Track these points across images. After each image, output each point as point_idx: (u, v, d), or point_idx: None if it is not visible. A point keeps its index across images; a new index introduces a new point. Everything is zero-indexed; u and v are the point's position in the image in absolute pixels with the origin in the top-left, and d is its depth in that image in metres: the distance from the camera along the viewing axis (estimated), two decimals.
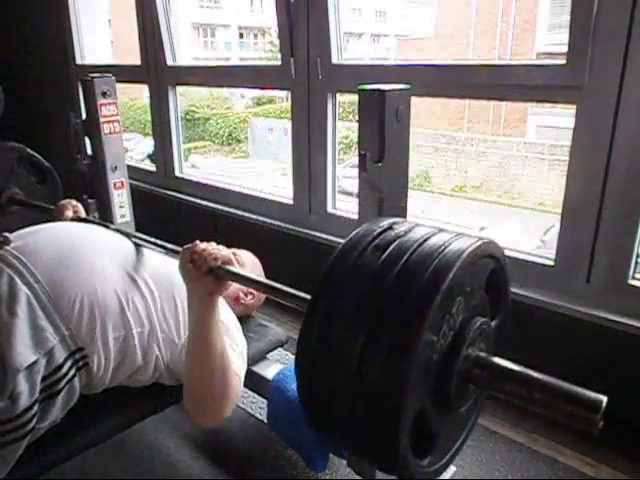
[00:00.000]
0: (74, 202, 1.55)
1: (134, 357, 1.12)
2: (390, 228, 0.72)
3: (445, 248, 0.65)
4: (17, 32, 3.69)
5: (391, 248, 0.67)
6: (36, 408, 0.97)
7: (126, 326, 1.10)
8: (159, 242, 1.24)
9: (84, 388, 1.08)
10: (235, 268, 1.05)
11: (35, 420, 0.97)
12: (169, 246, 1.19)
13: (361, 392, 0.63)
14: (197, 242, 1.07)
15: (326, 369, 0.67)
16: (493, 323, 0.81)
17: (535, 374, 0.68)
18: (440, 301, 0.61)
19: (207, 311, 1.05)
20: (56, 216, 1.50)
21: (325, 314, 0.67)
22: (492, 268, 0.76)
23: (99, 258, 1.15)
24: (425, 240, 0.67)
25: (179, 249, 1.11)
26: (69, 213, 1.50)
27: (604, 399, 0.61)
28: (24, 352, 0.96)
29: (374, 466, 0.74)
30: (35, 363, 0.97)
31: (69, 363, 1.02)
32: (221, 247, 1.08)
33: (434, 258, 0.64)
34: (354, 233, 0.73)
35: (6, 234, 1.13)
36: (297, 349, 0.69)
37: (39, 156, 1.95)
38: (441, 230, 0.71)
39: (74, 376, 1.03)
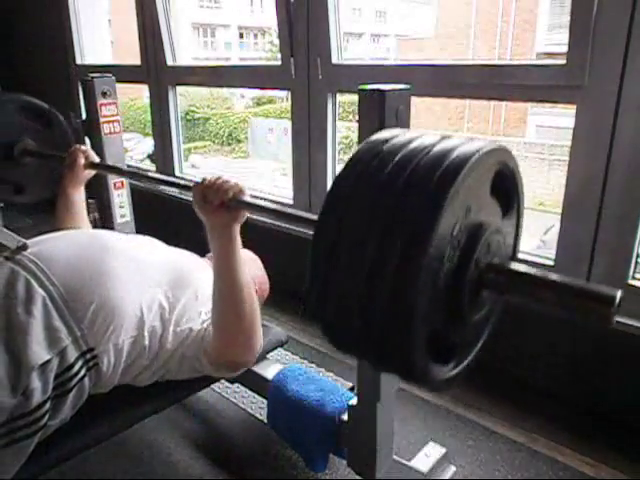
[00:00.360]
0: (84, 147, 1.57)
1: (143, 357, 1.14)
2: (393, 139, 0.71)
3: (452, 153, 0.63)
4: (17, 32, 3.69)
5: (397, 157, 0.65)
6: (48, 405, 0.98)
7: (138, 329, 1.12)
8: (172, 180, 1.28)
9: (92, 387, 1.09)
10: (247, 197, 1.05)
11: (47, 417, 0.99)
12: (182, 182, 1.22)
13: (373, 306, 0.62)
14: (206, 177, 1.08)
15: (338, 284, 0.66)
16: (506, 224, 0.78)
17: (549, 275, 0.68)
18: (448, 206, 0.60)
19: (227, 242, 1.08)
20: (69, 164, 1.51)
21: (334, 228, 0.66)
22: (497, 170, 0.72)
23: (114, 263, 1.16)
24: (432, 146, 0.66)
25: (191, 185, 1.11)
26: (81, 160, 1.51)
27: (618, 292, 0.62)
28: (38, 351, 0.98)
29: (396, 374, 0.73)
30: (49, 362, 0.99)
31: (80, 362, 1.04)
32: (230, 179, 1.07)
33: (440, 163, 0.62)
34: (359, 147, 0.72)
35: (24, 241, 1.16)
36: (309, 268, 0.68)
37: (38, 101, 1.92)
38: (446, 137, 0.70)
39: (84, 376, 1.05)
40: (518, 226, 0.82)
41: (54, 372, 1.00)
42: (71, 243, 1.20)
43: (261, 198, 1.06)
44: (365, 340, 0.66)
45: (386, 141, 0.69)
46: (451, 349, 0.73)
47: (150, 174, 1.33)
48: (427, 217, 0.60)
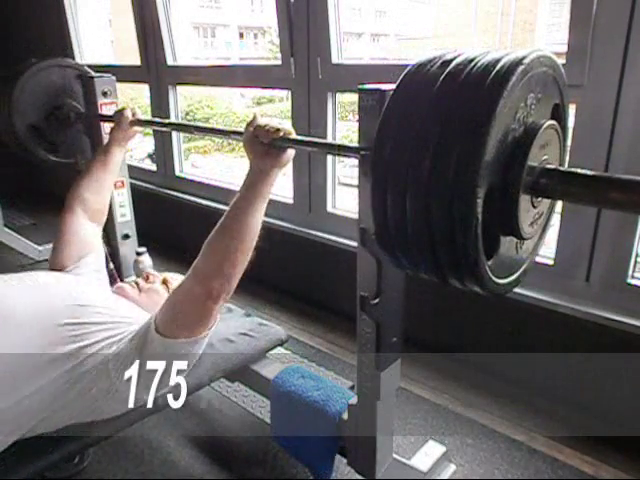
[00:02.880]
0: (130, 105, 1.63)
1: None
2: (445, 54, 0.74)
3: (504, 57, 0.66)
4: (18, 32, 3.69)
5: (453, 64, 0.69)
6: None
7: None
8: (221, 128, 1.39)
9: None
10: (295, 136, 1.09)
11: None
12: (230, 129, 1.29)
13: (433, 198, 0.66)
14: (257, 116, 1.11)
15: (399, 184, 0.69)
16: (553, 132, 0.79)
17: (604, 174, 0.69)
18: (499, 115, 0.63)
19: (265, 183, 1.10)
20: (117, 122, 1.60)
21: (390, 147, 0.69)
22: (549, 75, 0.75)
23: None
24: (482, 56, 0.68)
25: (241, 130, 1.15)
26: (129, 117, 1.59)
27: None
28: None
29: (449, 275, 0.74)
30: None
31: None
32: (281, 120, 1.11)
33: (493, 66, 0.65)
34: (416, 61, 0.75)
35: None
36: (372, 173, 0.72)
37: (72, 60, 1.98)
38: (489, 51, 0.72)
39: None
40: (564, 134, 0.83)
41: None
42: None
43: (306, 141, 1.14)
44: (423, 239, 0.69)
45: (445, 54, 0.73)
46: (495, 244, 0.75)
47: (197, 124, 1.38)
48: (480, 124, 0.63)
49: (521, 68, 0.65)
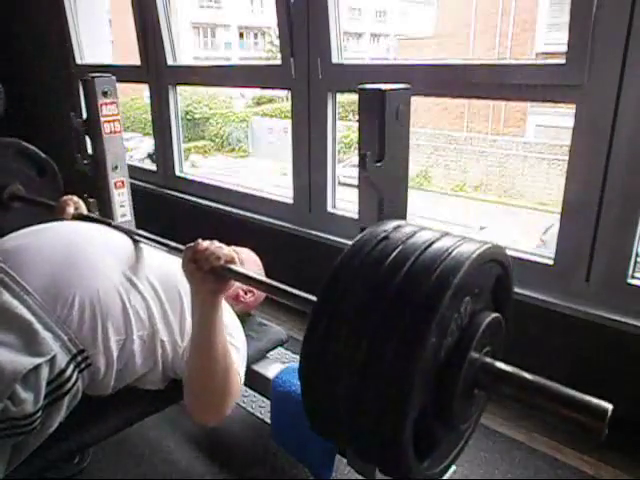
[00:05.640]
0: (75, 198, 1.55)
1: (136, 361, 1.13)
2: (394, 231, 0.72)
3: (452, 252, 0.65)
4: (18, 32, 3.69)
5: (395, 253, 0.68)
6: (40, 414, 0.96)
7: (127, 329, 1.10)
8: (161, 240, 1.23)
9: (88, 388, 1.08)
10: (238, 267, 1.04)
11: (38, 422, 0.97)
12: (172, 244, 1.19)
13: (365, 396, 0.64)
14: (199, 241, 1.07)
15: (330, 373, 0.67)
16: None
17: (539, 379, 0.69)
18: (448, 302, 0.62)
19: (210, 310, 1.04)
20: (58, 213, 1.49)
21: (329, 318, 0.68)
22: (498, 274, 0.76)
23: (98, 258, 1.14)
24: (430, 245, 0.67)
25: (182, 247, 1.10)
26: (70, 210, 1.49)
27: (609, 407, 0.63)
28: (21, 362, 0.95)
29: (376, 467, 0.74)
30: (36, 370, 0.96)
31: (72, 366, 1.02)
32: (224, 246, 1.07)
33: (440, 262, 0.64)
34: (358, 238, 0.74)
35: None
36: (301, 353, 0.70)
37: (35, 149, 1.92)
38: (446, 234, 0.71)
39: (78, 379, 1.04)
40: (507, 328, 0.85)
41: (45, 380, 0.97)
42: (48, 240, 1.16)
43: (251, 277, 1.06)
44: (354, 426, 0.68)
45: (393, 231, 0.73)
46: (433, 443, 0.75)
47: (140, 232, 1.29)
48: (424, 317, 0.61)
49: (464, 269, 0.64)
